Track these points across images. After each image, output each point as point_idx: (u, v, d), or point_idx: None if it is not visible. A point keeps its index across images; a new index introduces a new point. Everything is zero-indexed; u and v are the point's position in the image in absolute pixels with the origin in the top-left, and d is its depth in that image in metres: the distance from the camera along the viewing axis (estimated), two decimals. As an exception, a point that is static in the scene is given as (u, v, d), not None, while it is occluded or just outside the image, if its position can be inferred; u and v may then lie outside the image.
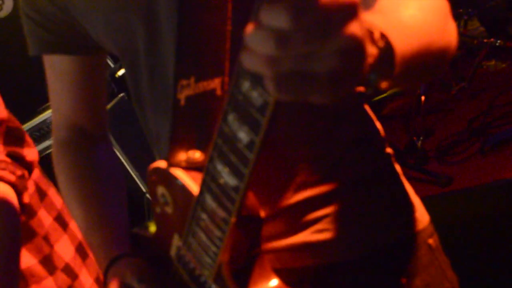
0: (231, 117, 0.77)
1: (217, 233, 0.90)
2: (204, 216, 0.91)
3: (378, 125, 1.12)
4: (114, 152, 1.32)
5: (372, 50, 0.64)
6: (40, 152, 1.85)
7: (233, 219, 0.86)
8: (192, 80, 0.92)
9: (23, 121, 4.04)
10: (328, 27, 0.58)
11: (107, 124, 1.31)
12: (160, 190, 1.01)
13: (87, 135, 1.26)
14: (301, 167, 1.04)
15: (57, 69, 1.20)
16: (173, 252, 1.04)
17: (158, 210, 1.05)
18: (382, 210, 1.08)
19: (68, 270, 1.71)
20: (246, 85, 0.72)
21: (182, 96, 0.93)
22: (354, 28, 0.59)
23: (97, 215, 1.20)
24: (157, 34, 1.02)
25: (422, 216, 1.13)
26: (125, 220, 1.22)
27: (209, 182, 0.87)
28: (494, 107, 3.59)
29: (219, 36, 0.90)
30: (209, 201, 0.89)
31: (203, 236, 0.94)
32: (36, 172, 1.67)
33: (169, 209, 1.02)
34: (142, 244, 1.17)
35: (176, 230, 1.03)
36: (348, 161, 1.06)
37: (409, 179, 3.40)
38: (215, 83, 0.93)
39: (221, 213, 0.87)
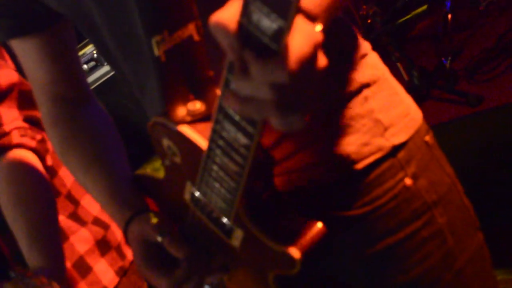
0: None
1: (231, 184, 0.90)
2: (215, 168, 0.91)
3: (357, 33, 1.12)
4: (102, 109, 1.31)
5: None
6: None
7: (246, 172, 0.86)
8: (166, 33, 0.90)
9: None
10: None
11: (87, 85, 1.32)
12: (166, 142, 1.01)
13: (70, 103, 1.26)
14: None
15: (25, 49, 1.21)
16: (187, 196, 1.05)
17: (166, 162, 1.04)
18: (376, 118, 1.08)
19: (99, 223, 1.74)
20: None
21: (161, 52, 0.91)
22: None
23: (101, 181, 1.20)
24: None
25: (416, 115, 1.14)
26: (127, 173, 1.22)
27: (218, 140, 0.86)
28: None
29: None
30: (220, 156, 0.88)
31: (217, 185, 0.94)
32: None
33: (178, 159, 1.02)
34: (152, 187, 1.17)
35: (187, 178, 1.02)
36: (337, 74, 1.06)
37: (440, 101, 3.37)
38: (189, 30, 0.90)
39: (233, 167, 0.87)
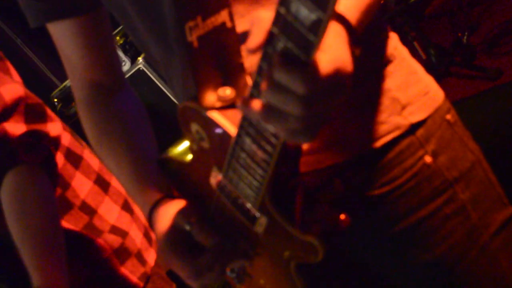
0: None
1: (259, 171, 0.91)
2: (243, 155, 0.92)
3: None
4: (136, 97, 1.32)
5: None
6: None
7: (274, 161, 0.87)
8: (199, 19, 0.90)
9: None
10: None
11: (122, 72, 1.33)
12: (195, 127, 1.01)
13: (105, 89, 1.27)
14: None
15: (61, 34, 1.21)
16: (213, 182, 1.05)
17: (194, 146, 1.05)
18: (395, 97, 1.08)
19: (116, 231, 1.73)
20: (280, 45, 0.73)
21: (193, 38, 0.91)
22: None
23: (130, 165, 1.22)
24: None
25: (436, 94, 1.14)
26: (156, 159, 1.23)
27: (248, 127, 0.87)
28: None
29: None
30: (249, 143, 0.89)
31: (244, 172, 0.95)
32: (67, 138, 1.67)
33: (205, 144, 1.02)
34: (177, 171, 1.18)
35: (214, 163, 1.03)
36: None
37: (459, 77, 3.35)
38: (222, 17, 0.91)
39: (262, 155, 0.88)
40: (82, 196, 1.68)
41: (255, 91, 0.79)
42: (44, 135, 1.56)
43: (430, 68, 3.36)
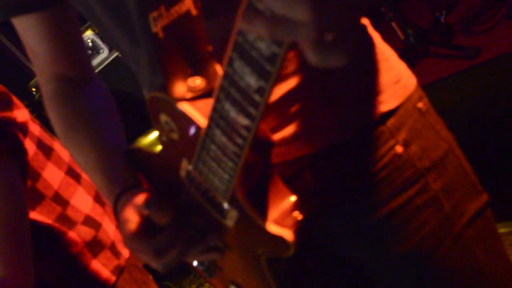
0: (237, 64, 0.75)
1: (229, 163, 0.89)
2: (214, 147, 0.90)
3: None
4: (105, 90, 1.31)
5: None
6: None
7: (245, 153, 0.85)
8: (163, 8, 0.88)
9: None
10: None
11: (90, 65, 1.31)
12: (164, 118, 1.00)
13: (72, 83, 1.26)
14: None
15: (26, 29, 1.20)
16: (183, 173, 1.04)
17: (163, 137, 1.03)
18: (364, 86, 1.06)
19: (90, 222, 1.72)
20: (252, 36, 0.70)
21: (158, 28, 0.89)
22: None
23: (96, 157, 1.20)
24: None
25: (408, 81, 1.11)
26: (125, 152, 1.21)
27: (218, 119, 0.85)
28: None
29: None
30: (219, 135, 0.87)
31: (214, 165, 0.93)
32: (37, 129, 1.65)
33: (175, 136, 1.00)
34: (146, 161, 1.16)
35: (184, 155, 1.02)
36: None
37: (438, 57, 3.35)
38: (186, 4, 0.89)
39: (232, 147, 0.86)
40: (56, 186, 1.66)
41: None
42: (11, 122, 1.54)
43: (409, 48, 3.36)
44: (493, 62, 3.00)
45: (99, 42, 3.85)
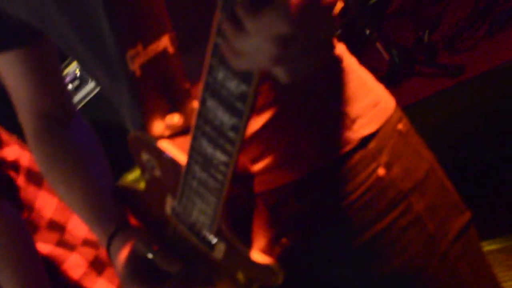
0: (210, 103, 0.76)
1: (212, 198, 0.90)
2: (195, 183, 0.91)
3: None
4: (87, 126, 1.31)
5: None
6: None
7: (226, 188, 0.86)
8: (140, 47, 0.90)
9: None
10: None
11: (71, 102, 1.31)
12: (145, 156, 1.01)
13: (54, 120, 1.25)
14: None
15: (4, 65, 1.19)
16: (168, 209, 1.05)
17: (146, 175, 1.04)
18: (344, 111, 1.07)
19: (89, 243, 1.73)
20: (221, 74, 0.71)
21: (135, 66, 0.91)
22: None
23: (83, 195, 1.20)
24: (80, 14, 0.99)
25: (387, 103, 1.13)
26: (110, 188, 1.22)
27: (197, 157, 0.86)
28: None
29: None
30: (199, 172, 0.88)
31: (197, 200, 0.94)
32: (26, 158, 1.65)
33: (157, 173, 1.02)
34: (132, 199, 1.17)
35: (168, 192, 1.03)
36: None
37: (423, 75, 3.38)
38: (164, 43, 0.90)
39: (213, 183, 0.87)
40: (48, 215, 1.66)
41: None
42: (1, 162, 1.54)
43: (393, 68, 3.38)
44: (476, 79, 3.02)
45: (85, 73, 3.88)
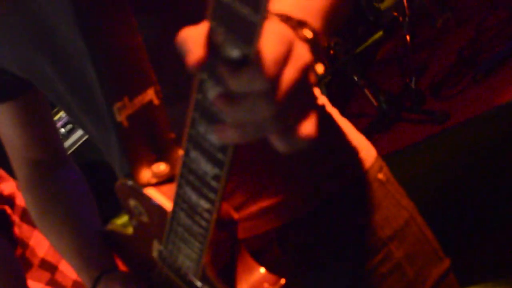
0: (193, 154, 0.79)
1: (196, 244, 0.93)
2: (180, 229, 0.94)
3: None
4: (77, 171, 1.34)
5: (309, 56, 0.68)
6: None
7: (210, 234, 0.89)
8: (126, 99, 0.94)
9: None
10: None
11: (62, 149, 1.35)
12: (133, 203, 1.04)
13: (45, 167, 1.29)
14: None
15: None
16: (155, 254, 1.07)
17: (134, 221, 1.08)
18: (325, 161, 1.10)
19: (79, 285, 1.74)
20: (202, 128, 0.74)
21: (122, 117, 0.95)
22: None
23: (71, 241, 1.23)
24: (69, 68, 1.03)
25: (368, 153, 1.15)
26: (98, 233, 1.25)
27: (182, 204, 0.89)
28: (481, 32, 3.55)
29: (134, 50, 0.92)
30: (184, 218, 0.91)
31: (183, 246, 0.97)
32: (21, 197, 1.67)
33: (144, 219, 1.05)
34: (121, 243, 1.20)
35: (155, 237, 1.05)
36: None
37: (410, 122, 3.40)
38: (149, 95, 0.94)
39: (197, 229, 0.90)
40: (41, 255, 1.68)
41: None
42: None
43: (381, 114, 3.44)
44: (461, 126, 3.07)
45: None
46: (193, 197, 0.86)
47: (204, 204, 0.85)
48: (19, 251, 1.62)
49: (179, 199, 0.90)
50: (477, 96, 3.19)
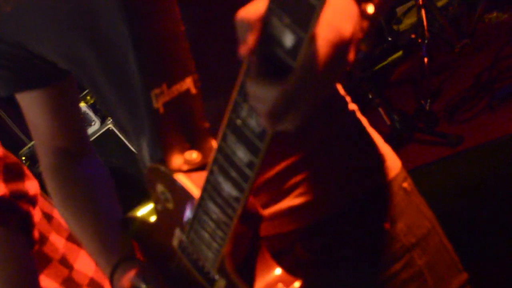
0: (230, 139, 0.80)
1: (219, 233, 0.93)
2: (205, 218, 0.95)
3: (337, 85, 1.14)
4: (99, 162, 1.36)
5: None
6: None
7: (234, 224, 0.89)
8: (165, 86, 0.95)
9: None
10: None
11: (87, 138, 1.36)
12: (160, 188, 1.04)
13: (70, 155, 1.30)
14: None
15: (28, 103, 1.24)
16: (175, 242, 1.07)
17: (159, 207, 1.08)
18: (354, 165, 1.11)
19: (94, 284, 1.74)
20: (244, 112, 0.75)
21: (159, 104, 0.96)
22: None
23: (92, 227, 1.24)
24: (109, 53, 1.04)
25: (393, 163, 1.16)
26: (120, 222, 1.25)
27: (211, 190, 0.90)
28: (499, 60, 3.55)
29: (176, 38, 0.93)
30: (211, 206, 0.92)
31: (205, 235, 0.97)
32: (40, 199, 1.68)
33: (170, 205, 1.05)
34: (141, 230, 1.20)
35: (178, 225, 1.06)
36: (315, 125, 1.08)
37: (422, 143, 3.40)
38: (187, 83, 0.95)
39: (222, 217, 0.91)
40: (62, 250, 1.69)
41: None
42: (23, 194, 1.57)
43: (394, 133, 3.45)
44: (473, 151, 3.07)
45: (91, 114, 3.92)
46: (224, 184, 0.86)
47: (233, 192, 0.85)
48: (36, 247, 1.62)
49: (208, 186, 0.90)
50: (491, 123, 3.19)
